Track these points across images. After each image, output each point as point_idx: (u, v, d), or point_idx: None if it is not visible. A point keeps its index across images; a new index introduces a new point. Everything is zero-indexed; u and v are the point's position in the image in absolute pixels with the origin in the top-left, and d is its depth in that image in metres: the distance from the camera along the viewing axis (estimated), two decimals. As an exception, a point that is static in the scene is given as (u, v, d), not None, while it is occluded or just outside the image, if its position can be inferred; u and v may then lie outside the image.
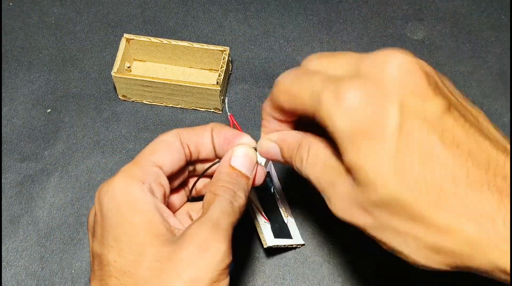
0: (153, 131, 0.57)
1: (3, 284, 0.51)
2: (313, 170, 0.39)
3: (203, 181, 0.46)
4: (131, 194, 0.38)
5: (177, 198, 0.45)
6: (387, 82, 0.33)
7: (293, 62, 0.61)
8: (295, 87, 0.37)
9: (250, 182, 0.42)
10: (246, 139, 0.43)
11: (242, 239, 0.52)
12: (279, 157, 0.42)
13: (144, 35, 0.58)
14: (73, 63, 0.61)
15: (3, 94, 0.59)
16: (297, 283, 0.51)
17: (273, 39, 0.62)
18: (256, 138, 0.57)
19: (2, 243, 0.53)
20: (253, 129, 0.57)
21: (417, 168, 0.33)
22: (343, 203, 0.36)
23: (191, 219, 0.44)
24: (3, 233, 0.53)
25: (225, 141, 0.43)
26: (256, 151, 0.43)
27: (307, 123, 0.42)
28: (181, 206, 0.45)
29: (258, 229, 0.51)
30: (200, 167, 0.45)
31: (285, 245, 0.51)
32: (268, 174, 0.53)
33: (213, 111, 0.58)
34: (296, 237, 0.52)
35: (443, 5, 0.64)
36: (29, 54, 0.61)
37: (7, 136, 0.57)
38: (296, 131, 0.41)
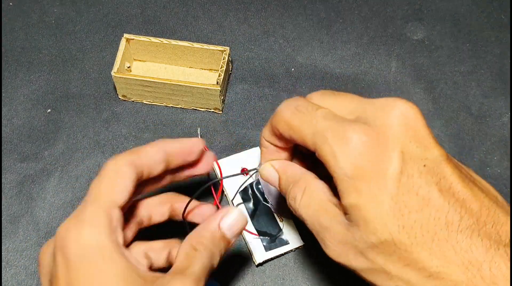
0: (153, 131, 0.57)
1: (3, 284, 0.51)
2: (306, 211, 0.40)
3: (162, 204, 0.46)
4: (96, 243, 0.37)
5: (129, 232, 0.43)
6: (391, 129, 0.35)
7: (293, 62, 0.61)
8: (296, 120, 0.38)
9: (229, 246, 0.43)
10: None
11: (241, 238, 0.52)
12: (276, 186, 0.43)
13: (144, 35, 0.58)
14: (73, 63, 0.61)
15: (3, 94, 0.59)
16: (297, 283, 0.51)
17: (273, 39, 0.62)
18: (257, 137, 0.57)
19: (2, 243, 0.53)
20: (253, 129, 0.57)
21: (415, 212, 0.34)
22: (337, 247, 0.38)
23: (151, 261, 0.43)
24: (3, 233, 0.53)
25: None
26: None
27: (304, 151, 0.43)
28: (133, 237, 0.43)
29: (247, 246, 0.51)
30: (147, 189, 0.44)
31: (279, 254, 0.51)
32: (258, 182, 0.53)
33: (213, 111, 0.58)
34: (294, 240, 0.51)
35: (443, 5, 0.64)
36: (29, 54, 0.61)
37: (7, 136, 0.57)
38: (298, 167, 0.43)
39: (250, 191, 0.53)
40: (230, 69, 0.60)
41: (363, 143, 0.35)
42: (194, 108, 0.58)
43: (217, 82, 0.55)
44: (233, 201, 0.53)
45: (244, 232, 0.51)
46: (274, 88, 0.59)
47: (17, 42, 0.62)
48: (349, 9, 0.63)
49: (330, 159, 0.36)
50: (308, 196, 0.40)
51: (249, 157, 0.55)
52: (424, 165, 0.35)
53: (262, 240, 0.51)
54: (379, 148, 0.35)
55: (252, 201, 0.53)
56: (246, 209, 0.52)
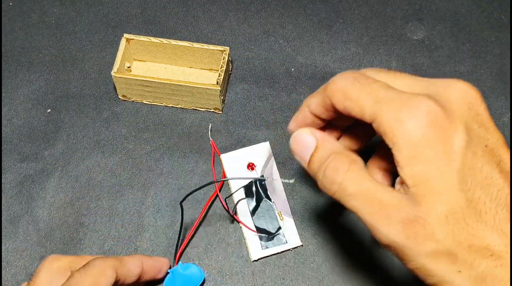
0: (153, 131, 0.57)
1: (3, 284, 0.51)
2: (355, 186, 0.36)
3: None
4: None
5: None
6: (455, 104, 0.35)
7: (293, 62, 0.61)
8: (355, 90, 0.37)
9: None
10: None
11: (241, 238, 0.52)
12: (306, 157, 0.39)
13: (144, 35, 0.58)
14: (73, 63, 0.61)
15: (3, 94, 0.59)
16: (297, 283, 0.51)
17: (273, 39, 0.62)
18: (257, 137, 0.57)
19: (2, 243, 0.53)
20: (253, 129, 0.57)
21: (479, 189, 0.34)
22: (399, 228, 0.34)
23: None
24: (3, 233, 0.53)
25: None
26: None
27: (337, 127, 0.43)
28: None
29: (245, 242, 0.52)
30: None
31: (276, 253, 0.51)
32: (262, 178, 0.54)
33: (213, 111, 0.58)
34: (292, 240, 0.52)
35: (443, 5, 0.64)
36: (29, 54, 0.61)
37: (7, 136, 0.57)
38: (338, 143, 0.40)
39: (254, 187, 0.53)
40: (230, 69, 0.60)
41: (430, 111, 0.34)
42: (194, 108, 0.58)
43: (217, 82, 0.55)
44: (234, 209, 0.53)
45: (243, 228, 0.52)
46: (274, 88, 0.59)
47: (17, 42, 0.62)
48: (349, 9, 0.63)
49: (395, 125, 0.34)
50: (357, 170, 0.36)
51: (255, 152, 0.55)
52: (486, 146, 0.35)
53: (260, 238, 0.51)
54: (446, 120, 0.34)
55: (255, 197, 0.53)
56: (248, 205, 0.53)
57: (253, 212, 0.52)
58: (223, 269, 0.51)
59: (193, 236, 0.52)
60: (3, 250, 0.52)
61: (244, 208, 0.53)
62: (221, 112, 0.58)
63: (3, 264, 0.52)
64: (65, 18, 0.63)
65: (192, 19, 0.63)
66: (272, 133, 0.57)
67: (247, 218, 0.52)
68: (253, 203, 0.53)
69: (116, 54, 0.57)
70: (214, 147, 0.55)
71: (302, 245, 0.52)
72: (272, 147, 0.56)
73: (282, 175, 0.54)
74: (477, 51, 0.61)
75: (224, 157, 0.55)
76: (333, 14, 0.63)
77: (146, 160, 0.56)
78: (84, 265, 0.44)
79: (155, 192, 0.54)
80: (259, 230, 0.52)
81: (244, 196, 0.53)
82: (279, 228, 0.52)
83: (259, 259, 0.51)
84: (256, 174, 0.54)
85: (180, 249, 0.51)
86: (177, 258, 0.50)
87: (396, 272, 0.51)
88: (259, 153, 0.55)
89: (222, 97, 0.57)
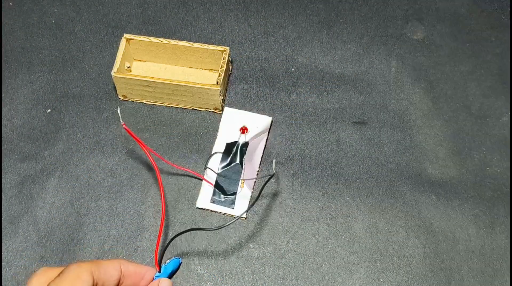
0: (153, 131, 0.57)
1: (3, 284, 0.51)
2: None
3: None
4: None
5: None
6: None
7: (293, 62, 0.61)
8: None
9: None
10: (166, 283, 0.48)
11: (241, 238, 0.52)
12: None
13: (144, 35, 0.58)
14: (73, 63, 0.61)
15: (3, 94, 0.59)
16: (297, 283, 0.51)
17: (273, 39, 0.62)
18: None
19: (2, 243, 0.53)
20: (253, 129, 0.57)
21: None
22: None
23: None
24: (3, 233, 0.53)
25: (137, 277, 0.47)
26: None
27: None
28: None
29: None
30: None
31: (219, 212, 0.53)
32: (245, 144, 0.55)
33: (213, 111, 0.58)
34: (239, 209, 0.53)
35: (443, 5, 0.64)
36: (29, 54, 0.61)
37: (7, 136, 0.57)
38: None
39: (235, 148, 0.55)
40: (230, 69, 0.60)
41: None
42: (194, 108, 0.58)
43: (217, 82, 0.55)
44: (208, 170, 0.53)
45: (205, 176, 0.54)
46: (274, 88, 0.59)
47: (17, 42, 0.62)
48: (349, 9, 0.64)
49: None
50: None
51: (255, 121, 0.57)
52: None
53: (214, 193, 0.53)
54: None
55: (230, 156, 0.55)
56: (221, 160, 0.55)
57: (221, 168, 0.54)
58: (223, 269, 0.51)
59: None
60: (3, 250, 0.52)
61: (216, 160, 0.55)
62: (221, 112, 0.58)
63: (3, 264, 0.52)
64: (65, 18, 0.63)
65: (192, 19, 0.63)
66: (272, 133, 0.57)
67: (213, 170, 0.54)
68: (226, 160, 0.55)
69: (116, 54, 0.57)
70: (130, 132, 0.49)
71: (245, 218, 0.53)
72: (272, 147, 0.56)
73: (280, 173, 0.55)
74: (477, 51, 0.61)
75: (227, 111, 0.57)
76: (333, 14, 0.63)
77: (146, 160, 0.56)
78: (60, 273, 0.43)
79: (155, 192, 0.54)
80: (217, 185, 0.53)
81: (221, 151, 0.55)
82: (235, 193, 0.53)
83: (202, 208, 0.53)
84: (244, 138, 0.55)
85: (156, 255, 0.50)
86: (156, 264, 0.50)
87: (396, 272, 0.51)
88: (258, 123, 0.56)
89: (222, 97, 0.57)
